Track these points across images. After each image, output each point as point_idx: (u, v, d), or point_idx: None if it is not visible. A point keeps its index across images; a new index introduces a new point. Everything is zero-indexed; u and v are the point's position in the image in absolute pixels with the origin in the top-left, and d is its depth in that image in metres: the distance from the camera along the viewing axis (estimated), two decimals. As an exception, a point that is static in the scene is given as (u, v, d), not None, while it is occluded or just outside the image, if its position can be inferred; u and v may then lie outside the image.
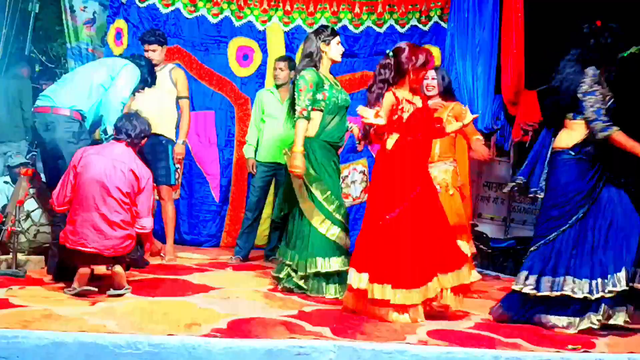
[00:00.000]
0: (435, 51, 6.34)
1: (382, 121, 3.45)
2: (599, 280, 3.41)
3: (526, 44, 5.86)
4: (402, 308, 3.40)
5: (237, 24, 6.50)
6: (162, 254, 4.29)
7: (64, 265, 3.70)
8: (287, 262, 4.08)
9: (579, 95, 3.47)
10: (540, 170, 3.69)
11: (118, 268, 3.55)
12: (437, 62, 6.35)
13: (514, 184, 3.83)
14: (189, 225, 6.33)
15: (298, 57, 5.93)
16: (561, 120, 3.60)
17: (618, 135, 3.39)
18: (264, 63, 6.45)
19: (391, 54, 3.67)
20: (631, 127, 3.52)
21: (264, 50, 6.47)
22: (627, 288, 3.38)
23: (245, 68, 6.49)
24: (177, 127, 5.16)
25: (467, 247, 4.32)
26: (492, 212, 10.21)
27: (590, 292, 3.39)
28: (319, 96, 4.03)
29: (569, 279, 3.44)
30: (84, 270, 3.49)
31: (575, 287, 3.41)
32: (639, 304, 3.54)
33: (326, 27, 4.27)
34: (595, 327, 3.38)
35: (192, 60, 6.40)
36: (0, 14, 6.89)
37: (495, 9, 6.01)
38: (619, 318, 3.41)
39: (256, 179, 5.36)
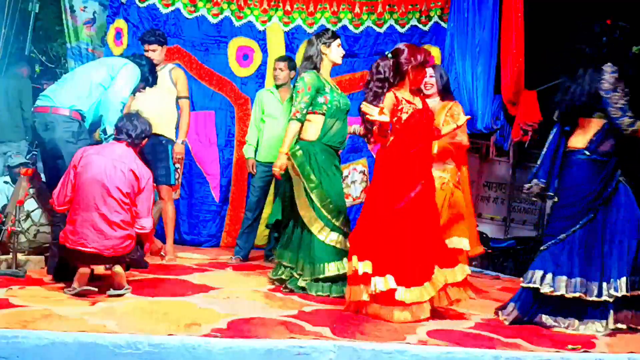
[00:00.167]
0: (435, 51, 6.34)
1: (386, 118, 3.44)
2: (604, 284, 3.42)
3: (526, 44, 5.86)
4: (405, 305, 3.40)
5: (237, 24, 6.50)
6: (162, 253, 4.28)
7: (64, 265, 3.69)
8: (286, 264, 4.08)
9: (601, 93, 3.45)
10: (556, 171, 3.69)
11: (118, 268, 3.55)
12: (437, 61, 6.36)
13: (532, 185, 3.77)
14: (189, 225, 6.33)
15: (298, 57, 5.94)
16: (576, 120, 3.59)
17: None
18: (264, 63, 6.45)
19: (390, 55, 3.67)
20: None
21: (264, 50, 6.47)
22: (627, 294, 3.40)
23: (245, 68, 6.49)
24: (177, 127, 5.15)
25: (462, 242, 4.29)
26: (492, 212, 10.23)
27: (599, 295, 3.40)
28: (321, 100, 4.05)
29: (583, 280, 3.45)
30: (84, 270, 3.48)
31: (587, 289, 3.42)
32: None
33: (327, 30, 4.30)
34: (600, 334, 3.39)
35: (192, 60, 6.40)
36: (0, 14, 6.89)
37: (495, 9, 6.01)
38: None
39: (256, 179, 5.36)
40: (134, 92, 4.33)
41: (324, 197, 3.96)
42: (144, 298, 3.52)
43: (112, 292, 3.50)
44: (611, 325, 3.42)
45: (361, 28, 6.54)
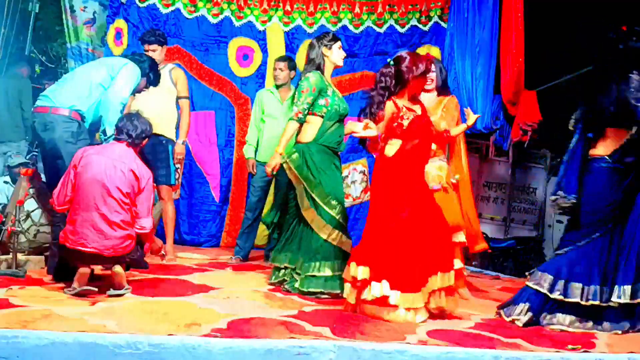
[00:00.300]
0: (435, 51, 6.34)
1: (372, 132, 3.50)
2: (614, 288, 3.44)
3: (526, 44, 5.86)
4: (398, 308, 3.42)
5: (237, 24, 6.50)
6: (162, 252, 4.28)
7: (64, 265, 3.69)
8: (287, 265, 4.09)
9: (633, 102, 3.40)
10: (576, 179, 3.66)
11: (118, 268, 3.55)
12: (437, 61, 6.36)
13: (557, 198, 3.72)
14: (189, 225, 6.33)
15: (298, 58, 5.95)
16: (603, 129, 3.56)
17: None
18: (264, 63, 6.45)
19: (392, 62, 3.69)
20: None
21: (264, 50, 6.47)
22: (630, 302, 3.41)
23: (245, 68, 6.49)
24: (178, 127, 5.15)
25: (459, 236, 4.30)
26: (492, 212, 10.23)
27: (607, 299, 3.43)
28: (321, 102, 4.06)
29: (600, 288, 3.46)
30: (84, 270, 3.48)
31: (602, 295, 3.45)
32: None
33: (328, 32, 4.34)
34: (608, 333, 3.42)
35: (192, 60, 6.40)
36: (0, 14, 6.89)
37: (495, 9, 6.01)
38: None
39: (256, 179, 5.36)
40: (135, 92, 4.33)
41: (324, 194, 3.97)
42: (144, 298, 3.52)
43: (112, 292, 3.50)
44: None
45: (361, 28, 6.54)
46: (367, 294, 3.45)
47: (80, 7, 6.79)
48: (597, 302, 3.44)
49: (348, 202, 6.42)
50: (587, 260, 3.50)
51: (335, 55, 4.18)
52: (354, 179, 6.54)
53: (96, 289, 3.45)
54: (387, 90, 3.64)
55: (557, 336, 3.30)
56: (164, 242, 4.91)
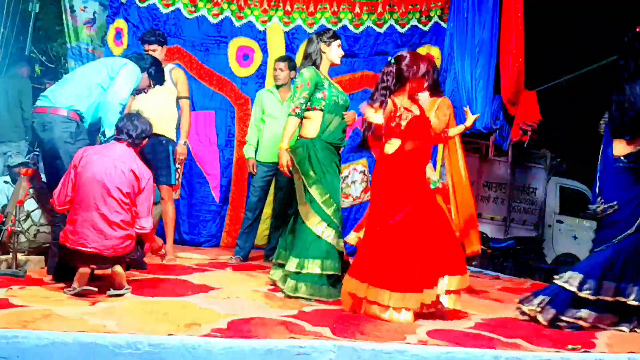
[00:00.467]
0: (435, 51, 6.35)
1: (380, 120, 3.47)
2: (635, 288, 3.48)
3: (526, 44, 5.86)
4: (397, 308, 3.42)
5: (237, 24, 6.51)
6: (163, 251, 4.28)
7: (64, 265, 3.69)
8: (281, 262, 4.07)
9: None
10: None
11: (118, 268, 3.55)
12: (437, 62, 6.37)
13: (599, 207, 3.70)
14: (189, 225, 6.34)
15: (298, 57, 5.95)
16: (635, 132, 3.55)
17: None
18: (264, 63, 6.46)
19: (393, 61, 3.68)
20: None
21: (264, 50, 6.48)
22: None
23: (245, 68, 6.50)
24: (178, 127, 5.15)
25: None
26: (492, 212, 10.24)
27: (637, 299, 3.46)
28: (319, 95, 4.02)
29: (630, 286, 3.48)
30: (84, 270, 3.48)
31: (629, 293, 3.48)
32: None
33: (328, 29, 4.29)
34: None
35: (192, 60, 6.41)
36: (0, 14, 6.89)
37: (495, 9, 6.01)
38: None
39: (256, 179, 5.36)
40: (138, 92, 4.31)
41: (323, 193, 3.92)
42: (144, 298, 3.52)
43: (112, 292, 3.50)
44: None
45: (361, 28, 6.55)
46: (364, 306, 3.48)
47: (80, 7, 6.80)
48: (624, 300, 3.46)
49: (348, 202, 6.43)
50: (624, 260, 3.50)
51: (333, 52, 4.15)
52: (354, 179, 6.55)
53: (96, 289, 3.45)
54: (389, 90, 3.64)
55: (557, 336, 3.30)
56: (164, 242, 4.92)
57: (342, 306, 3.63)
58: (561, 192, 10.77)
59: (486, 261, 8.79)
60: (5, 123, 6.87)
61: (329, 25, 6.42)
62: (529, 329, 3.45)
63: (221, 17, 6.50)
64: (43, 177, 4.61)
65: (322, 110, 4.04)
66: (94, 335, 2.60)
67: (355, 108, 6.22)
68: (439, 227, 3.61)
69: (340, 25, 6.48)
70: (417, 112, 3.69)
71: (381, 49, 6.49)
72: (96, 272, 3.65)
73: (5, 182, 5.65)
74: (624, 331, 3.51)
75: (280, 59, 5.42)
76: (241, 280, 4.37)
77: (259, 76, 6.49)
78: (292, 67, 5.35)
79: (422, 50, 6.37)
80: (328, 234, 3.88)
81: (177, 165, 5.12)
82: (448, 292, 3.58)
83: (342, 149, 4.28)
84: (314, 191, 3.92)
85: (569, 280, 3.54)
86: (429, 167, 4.33)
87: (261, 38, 6.51)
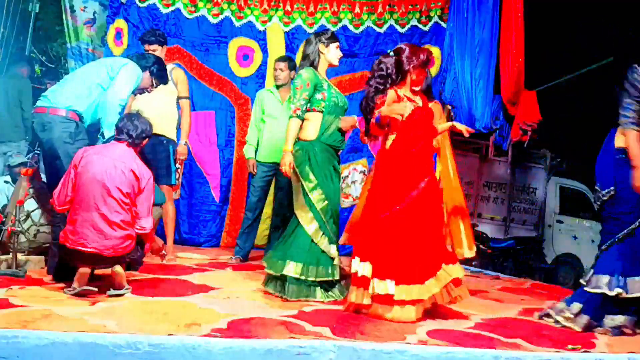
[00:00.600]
0: (435, 51, 6.35)
1: (350, 120, 3.48)
2: None
3: (526, 44, 5.87)
4: (403, 303, 3.42)
5: (237, 24, 6.51)
6: (163, 252, 4.28)
7: (64, 265, 3.69)
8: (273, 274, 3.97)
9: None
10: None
11: (118, 268, 3.55)
12: (437, 62, 6.37)
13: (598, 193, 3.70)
14: (189, 225, 6.34)
15: (298, 57, 5.95)
16: None
17: None
18: (264, 63, 6.46)
19: (392, 53, 3.68)
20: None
21: (264, 51, 6.48)
22: None
23: (245, 68, 6.50)
24: (178, 127, 5.16)
25: None
26: (492, 212, 10.24)
27: None
28: (318, 96, 3.99)
29: None
30: (84, 270, 3.48)
31: None
32: None
33: (327, 30, 4.26)
34: None
35: (192, 60, 6.41)
36: (0, 14, 6.89)
37: (495, 9, 6.02)
38: None
39: (256, 179, 5.35)
40: (138, 92, 4.30)
41: (322, 199, 3.90)
42: (144, 298, 3.52)
43: (112, 292, 3.50)
44: None
45: (361, 28, 6.55)
46: (371, 291, 3.45)
47: (80, 7, 6.80)
48: None
49: (348, 202, 6.43)
50: (633, 251, 3.48)
51: (331, 54, 4.12)
52: (354, 179, 6.55)
53: (96, 289, 3.45)
54: (388, 78, 3.63)
55: (557, 336, 3.30)
56: (165, 242, 4.92)
57: (343, 306, 3.63)
58: (561, 192, 10.78)
59: (486, 261, 8.79)
60: (5, 123, 6.87)
61: (329, 26, 6.42)
62: (529, 329, 3.45)
63: (221, 17, 6.50)
64: (43, 177, 4.61)
65: (321, 111, 4.01)
66: (94, 335, 2.60)
67: (355, 108, 6.23)
68: (436, 218, 3.62)
69: (340, 25, 6.49)
70: (420, 102, 3.69)
71: (381, 49, 6.48)
72: (96, 272, 3.66)
73: (6, 181, 5.65)
74: None
75: (281, 59, 5.42)
76: (241, 280, 4.37)
77: (259, 76, 6.49)
78: (292, 67, 5.35)
79: (422, 50, 6.38)
80: (322, 242, 3.86)
81: (177, 165, 5.12)
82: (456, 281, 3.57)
83: (340, 151, 4.25)
84: (313, 197, 3.89)
85: (598, 284, 3.50)
86: None
87: (261, 38, 6.51)
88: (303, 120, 4.01)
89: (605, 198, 3.63)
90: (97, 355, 2.52)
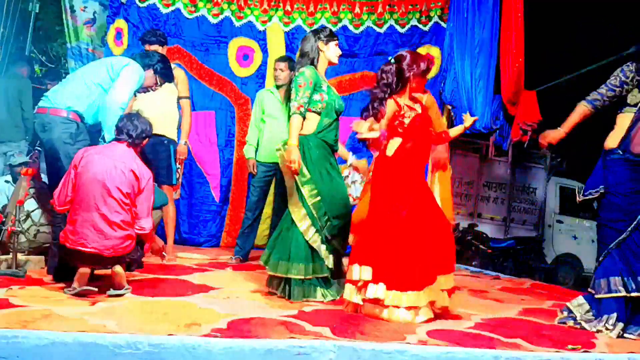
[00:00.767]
0: (435, 51, 6.35)
1: (375, 134, 3.48)
2: None
3: (526, 44, 5.87)
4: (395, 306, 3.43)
5: (237, 24, 6.51)
6: (164, 253, 4.27)
7: (64, 265, 3.69)
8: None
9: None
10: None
11: (118, 268, 3.55)
12: (437, 62, 6.37)
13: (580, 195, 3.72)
14: (189, 225, 6.34)
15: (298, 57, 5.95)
16: None
17: None
18: (264, 63, 6.46)
19: (393, 60, 3.69)
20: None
21: (264, 51, 6.48)
22: None
23: (245, 68, 6.50)
24: (179, 127, 5.16)
25: None
26: (492, 212, 10.25)
27: None
28: (317, 97, 3.94)
29: None
30: (84, 270, 3.48)
31: None
32: None
33: (325, 27, 4.20)
34: None
35: (192, 60, 6.41)
36: (0, 14, 6.90)
37: (495, 9, 6.02)
38: None
39: (256, 179, 5.35)
40: (142, 91, 4.26)
41: (314, 195, 3.84)
42: (144, 298, 3.52)
43: (112, 292, 3.50)
44: None
45: (361, 28, 6.55)
46: (368, 294, 3.46)
47: (80, 7, 6.80)
48: None
49: (348, 202, 6.43)
50: (632, 254, 3.46)
51: (331, 51, 4.05)
52: (354, 179, 6.53)
53: (96, 289, 3.45)
54: (389, 87, 3.65)
55: (557, 336, 3.30)
56: (165, 242, 4.92)
57: (343, 306, 3.63)
58: (561, 192, 10.78)
59: (486, 261, 8.79)
60: (5, 123, 6.87)
61: (329, 26, 6.42)
62: (529, 329, 3.45)
63: (221, 17, 6.50)
64: (43, 177, 4.61)
65: (318, 113, 3.96)
66: (94, 335, 2.60)
67: (354, 108, 6.24)
68: (436, 225, 3.61)
69: (340, 25, 6.48)
70: (419, 110, 3.70)
71: (381, 49, 6.49)
72: (96, 272, 3.66)
73: (7, 181, 5.65)
74: None
75: (281, 59, 5.42)
76: (241, 280, 4.37)
77: (259, 76, 6.49)
78: (292, 67, 5.32)
79: (422, 50, 6.36)
80: (314, 240, 3.82)
81: (177, 165, 5.12)
82: (447, 291, 3.57)
83: (336, 152, 4.20)
84: (305, 191, 3.84)
85: (614, 288, 3.46)
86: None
87: (261, 38, 6.51)
88: (304, 117, 3.93)
89: (588, 197, 3.63)
90: (97, 355, 2.52)
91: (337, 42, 4.12)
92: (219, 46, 6.48)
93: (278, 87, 5.38)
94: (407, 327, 3.25)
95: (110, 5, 6.50)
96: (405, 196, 3.53)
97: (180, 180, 5.56)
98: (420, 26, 6.49)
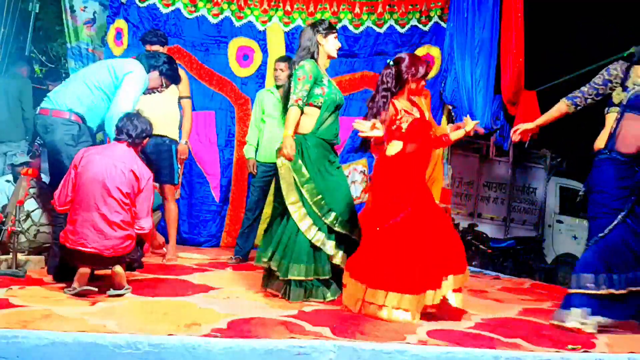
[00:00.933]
0: (435, 51, 6.35)
1: (379, 133, 3.46)
2: None
3: (526, 44, 5.87)
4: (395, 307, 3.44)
5: (237, 24, 6.51)
6: (164, 250, 4.25)
7: (64, 265, 3.69)
8: (267, 266, 3.91)
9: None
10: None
11: (118, 268, 3.55)
12: (437, 62, 6.38)
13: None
14: (189, 225, 6.34)
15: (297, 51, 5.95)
16: None
17: None
18: (264, 63, 6.46)
19: (392, 63, 3.69)
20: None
21: (264, 51, 6.48)
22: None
23: (245, 68, 6.50)
24: (180, 127, 5.16)
25: None
26: (492, 212, 10.25)
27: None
28: (318, 91, 3.90)
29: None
30: (84, 270, 3.48)
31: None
32: None
33: (323, 20, 4.13)
34: None
35: (192, 60, 6.41)
36: (0, 14, 6.89)
37: (495, 9, 6.02)
38: None
39: (256, 179, 5.36)
40: (147, 92, 4.22)
41: (314, 193, 3.81)
42: (144, 298, 3.52)
43: (112, 292, 3.50)
44: None
45: (361, 28, 6.55)
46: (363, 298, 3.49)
47: (80, 7, 6.80)
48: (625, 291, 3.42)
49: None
50: (612, 251, 3.45)
51: (330, 44, 4.00)
52: (354, 179, 6.55)
53: (96, 289, 3.45)
54: (389, 92, 3.65)
55: (557, 336, 3.30)
56: (167, 242, 4.92)
57: (344, 305, 3.63)
58: (561, 192, 10.78)
59: (486, 261, 8.79)
60: (6, 123, 6.87)
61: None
62: (528, 329, 3.45)
63: (221, 17, 6.50)
64: (43, 177, 4.61)
65: (318, 107, 3.92)
66: (94, 335, 2.60)
67: (354, 108, 6.24)
68: (440, 227, 3.61)
69: (340, 25, 6.48)
70: (417, 114, 3.69)
71: (381, 49, 6.49)
72: (96, 272, 3.66)
73: (7, 180, 5.66)
74: None
75: (281, 59, 5.41)
76: (241, 280, 4.37)
77: (259, 76, 6.49)
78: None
79: (422, 50, 6.38)
80: (317, 239, 3.79)
81: (178, 165, 5.13)
82: (454, 290, 3.59)
83: (335, 147, 4.17)
84: (305, 191, 3.80)
85: (584, 284, 3.46)
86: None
87: (261, 38, 6.51)
88: (302, 111, 3.89)
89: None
90: (97, 355, 2.52)
91: (336, 34, 4.06)
92: (219, 46, 6.48)
93: (278, 87, 5.37)
94: (407, 327, 3.25)
95: (110, 5, 6.50)
96: (405, 199, 3.53)
97: (180, 180, 5.56)
98: (420, 26, 6.49)
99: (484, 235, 9.28)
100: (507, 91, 6.09)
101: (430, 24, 6.47)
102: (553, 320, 3.54)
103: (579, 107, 3.71)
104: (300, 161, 3.84)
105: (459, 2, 6.17)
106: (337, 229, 3.83)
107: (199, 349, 2.58)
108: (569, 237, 10.67)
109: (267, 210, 5.67)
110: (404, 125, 3.58)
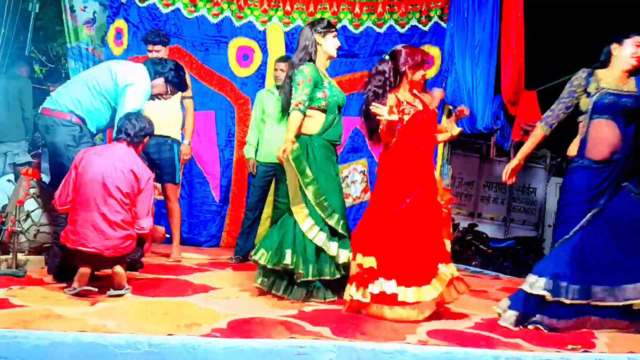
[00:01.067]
0: (435, 51, 6.35)
1: (395, 117, 3.45)
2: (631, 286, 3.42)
3: (526, 44, 5.87)
4: (404, 304, 3.43)
5: (237, 24, 6.51)
6: (167, 235, 4.22)
7: (64, 265, 3.69)
8: (267, 265, 3.85)
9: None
10: None
11: (118, 268, 3.55)
12: (437, 62, 6.38)
13: None
14: (189, 225, 6.33)
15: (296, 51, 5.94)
16: None
17: None
18: (264, 63, 6.46)
19: (388, 57, 3.69)
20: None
21: (264, 51, 6.48)
22: None
23: (245, 68, 6.50)
24: (183, 127, 5.17)
25: None
26: (492, 212, 10.25)
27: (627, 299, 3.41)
28: (319, 94, 3.90)
29: (597, 288, 3.42)
30: (84, 270, 3.49)
31: (607, 295, 3.41)
32: None
33: (322, 19, 4.09)
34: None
35: (192, 60, 6.41)
36: (0, 14, 6.89)
37: (495, 9, 6.02)
38: None
39: (256, 179, 5.35)
40: (151, 98, 4.20)
41: (318, 194, 3.81)
42: (144, 298, 3.52)
43: (112, 292, 3.50)
44: None
45: (361, 28, 6.55)
46: (374, 289, 3.44)
47: (80, 7, 6.79)
48: (577, 302, 3.40)
49: (348, 202, 6.43)
50: (572, 257, 3.45)
51: (329, 43, 3.96)
52: (354, 179, 6.54)
53: (96, 289, 3.45)
54: (387, 82, 3.64)
55: (557, 336, 3.30)
56: (169, 242, 4.93)
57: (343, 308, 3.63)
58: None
59: (486, 261, 8.79)
60: (6, 123, 6.87)
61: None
62: (529, 329, 3.44)
63: (221, 17, 6.50)
64: (44, 177, 4.61)
65: (322, 110, 3.93)
66: (94, 335, 2.61)
67: (354, 108, 6.23)
68: (435, 220, 3.63)
69: (340, 25, 6.47)
70: (420, 106, 3.69)
71: (381, 49, 6.48)
72: (96, 272, 3.66)
73: (9, 180, 5.66)
74: None
75: (281, 59, 5.40)
76: (241, 280, 4.37)
77: (259, 76, 6.49)
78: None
79: (422, 51, 6.37)
80: (320, 239, 3.78)
81: (179, 166, 5.14)
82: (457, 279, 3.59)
83: (339, 148, 4.18)
84: (309, 192, 3.80)
85: (534, 284, 3.45)
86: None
87: (261, 38, 6.51)
88: (304, 115, 3.88)
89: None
90: (97, 355, 2.52)
91: (335, 33, 4.02)
92: (219, 46, 6.48)
93: (278, 87, 5.36)
94: (407, 327, 3.26)
95: (110, 5, 6.49)
96: (405, 191, 3.54)
97: (180, 180, 5.56)
98: (420, 26, 6.49)
99: (484, 235, 9.28)
100: (507, 91, 6.09)
101: (430, 24, 6.47)
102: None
103: (554, 126, 3.74)
104: (305, 162, 3.84)
105: (459, 2, 6.17)
106: (339, 230, 3.83)
107: (199, 349, 2.58)
108: (569, 237, 10.66)
109: (267, 210, 5.68)
110: (406, 117, 3.59)
